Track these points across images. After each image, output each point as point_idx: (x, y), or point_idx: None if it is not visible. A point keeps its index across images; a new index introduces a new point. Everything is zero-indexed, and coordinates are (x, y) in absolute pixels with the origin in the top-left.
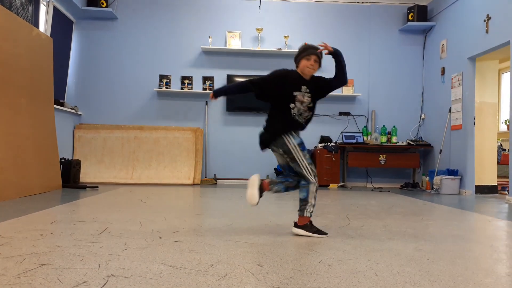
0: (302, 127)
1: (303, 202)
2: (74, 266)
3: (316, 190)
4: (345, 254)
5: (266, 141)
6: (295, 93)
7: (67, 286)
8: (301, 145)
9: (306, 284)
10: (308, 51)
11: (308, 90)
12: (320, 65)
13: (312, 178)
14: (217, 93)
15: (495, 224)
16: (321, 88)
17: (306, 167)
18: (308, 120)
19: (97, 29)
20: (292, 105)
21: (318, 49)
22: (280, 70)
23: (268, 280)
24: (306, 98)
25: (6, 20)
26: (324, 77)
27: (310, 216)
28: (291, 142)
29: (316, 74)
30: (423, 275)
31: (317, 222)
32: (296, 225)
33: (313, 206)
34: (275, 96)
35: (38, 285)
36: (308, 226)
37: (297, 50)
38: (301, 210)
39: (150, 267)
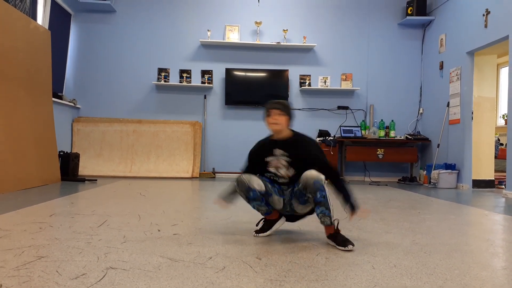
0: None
1: None
2: (73, 258)
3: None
4: None
5: None
6: (267, 159)
7: (66, 279)
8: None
9: (303, 276)
10: (266, 108)
11: (285, 153)
12: (289, 117)
13: None
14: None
15: (492, 218)
16: (302, 159)
17: None
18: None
19: (96, 22)
20: (268, 174)
21: (280, 102)
22: (254, 146)
23: (266, 273)
24: (283, 162)
25: (3, 12)
26: (310, 148)
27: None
28: None
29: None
30: (420, 268)
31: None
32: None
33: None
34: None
35: (37, 277)
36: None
37: (295, 44)
38: None
39: (149, 259)
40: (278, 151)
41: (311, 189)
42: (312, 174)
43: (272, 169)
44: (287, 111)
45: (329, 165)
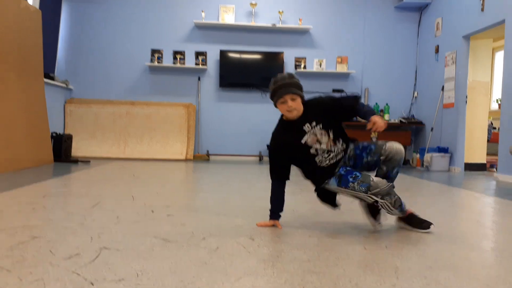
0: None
1: None
2: (67, 239)
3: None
4: (335, 229)
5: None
6: (303, 141)
7: (59, 258)
8: None
9: (296, 257)
10: (278, 93)
11: (313, 122)
12: (302, 98)
13: None
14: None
15: (483, 201)
16: (328, 115)
17: None
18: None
19: (87, 1)
20: (312, 151)
21: (290, 83)
22: (271, 142)
23: (259, 253)
24: (318, 131)
25: None
26: (324, 101)
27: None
28: None
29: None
30: (410, 249)
31: (306, 198)
32: None
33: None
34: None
35: (30, 257)
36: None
37: (291, 26)
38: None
39: (142, 240)
40: (306, 127)
41: (394, 163)
42: (401, 148)
43: (313, 150)
44: (300, 90)
45: (348, 96)
